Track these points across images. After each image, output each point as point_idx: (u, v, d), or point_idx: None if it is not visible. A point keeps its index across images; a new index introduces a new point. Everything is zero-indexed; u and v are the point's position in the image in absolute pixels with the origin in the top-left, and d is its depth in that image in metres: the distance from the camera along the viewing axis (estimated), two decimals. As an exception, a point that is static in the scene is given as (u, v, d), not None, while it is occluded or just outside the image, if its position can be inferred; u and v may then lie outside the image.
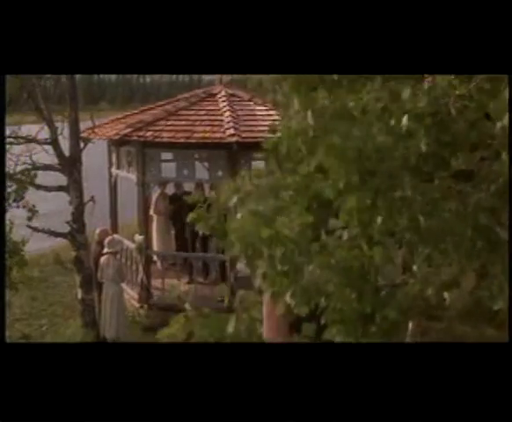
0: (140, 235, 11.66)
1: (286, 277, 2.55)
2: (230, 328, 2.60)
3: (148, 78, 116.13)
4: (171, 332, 2.82)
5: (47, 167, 10.34)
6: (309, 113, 2.95)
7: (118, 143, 11.96)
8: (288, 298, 2.59)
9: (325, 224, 2.83)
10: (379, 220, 2.69)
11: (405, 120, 2.91)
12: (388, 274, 2.81)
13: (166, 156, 12.36)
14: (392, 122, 2.84)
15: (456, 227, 2.72)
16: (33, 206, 9.78)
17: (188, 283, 12.29)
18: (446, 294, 2.78)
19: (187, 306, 10.02)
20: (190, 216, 3.36)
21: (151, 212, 13.10)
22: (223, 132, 10.77)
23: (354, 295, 2.65)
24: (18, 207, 9.56)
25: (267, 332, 10.18)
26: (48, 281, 13.91)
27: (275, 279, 2.54)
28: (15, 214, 9.87)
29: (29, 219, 9.74)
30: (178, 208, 12.92)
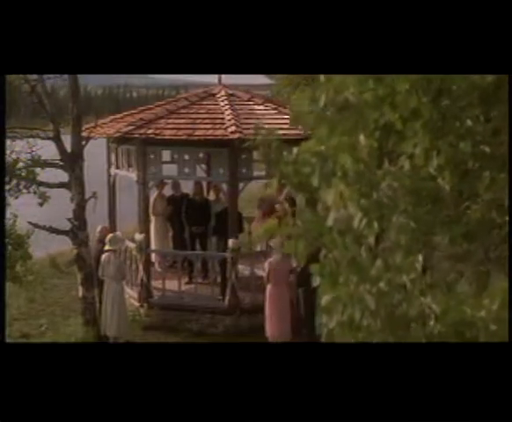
0: (140, 234, 11.61)
1: (359, 193, 2.58)
2: (330, 221, 2.61)
3: (134, 92, 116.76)
4: (269, 227, 2.83)
5: (48, 164, 10.29)
6: None
7: (118, 142, 11.93)
8: (358, 218, 2.61)
9: (389, 155, 2.88)
10: (445, 147, 2.75)
11: None
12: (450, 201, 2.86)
13: (166, 157, 12.35)
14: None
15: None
16: (45, 192, 9.68)
17: (188, 283, 12.26)
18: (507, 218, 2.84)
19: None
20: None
21: (149, 213, 13.06)
22: (225, 129, 10.82)
23: (423, 216, 2.69)
24: (28, 192, 9.47)
25: (270, 330, 10.22)
26: (46, 283, 13.81)
27: (350, 195, 2.57)
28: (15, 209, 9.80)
29: (41, 205, 9.65)
30: (176, 209, 12.93)
